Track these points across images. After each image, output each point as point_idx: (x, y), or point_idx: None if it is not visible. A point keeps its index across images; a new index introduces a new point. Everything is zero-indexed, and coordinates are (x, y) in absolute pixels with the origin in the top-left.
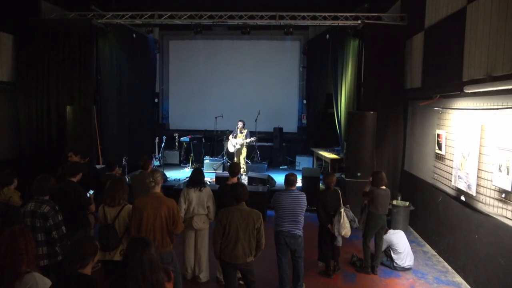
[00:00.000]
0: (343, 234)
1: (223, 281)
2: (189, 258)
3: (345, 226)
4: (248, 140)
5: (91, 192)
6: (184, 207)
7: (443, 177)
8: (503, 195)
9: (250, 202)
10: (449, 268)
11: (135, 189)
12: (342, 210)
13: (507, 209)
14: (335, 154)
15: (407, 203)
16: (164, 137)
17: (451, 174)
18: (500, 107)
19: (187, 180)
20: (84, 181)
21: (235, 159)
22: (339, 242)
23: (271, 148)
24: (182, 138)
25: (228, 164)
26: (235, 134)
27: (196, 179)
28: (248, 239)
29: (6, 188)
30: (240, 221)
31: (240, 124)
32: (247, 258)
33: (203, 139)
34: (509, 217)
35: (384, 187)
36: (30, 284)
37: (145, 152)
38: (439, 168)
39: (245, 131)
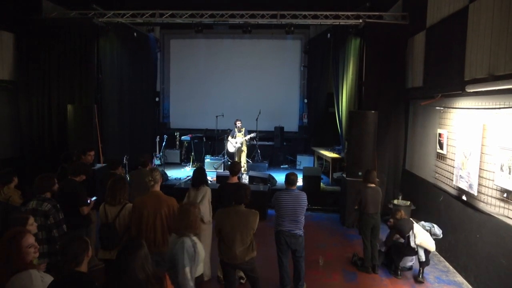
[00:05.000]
0: None
1: (224, 280)
2: None
3: None
4: (248, 136)
5: (94, 198)
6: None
7: (444, 176)
8: (505, 195)
9: (250, 201)
10: (450, 267)
11: (133, 186)
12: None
13: (509, 209)
14: (336, 153)
15: (408, 203)
16: (165, 136)
17: (453, 174)
18: (502, 106)
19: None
20: (87, 183)
21: (236, 158)
22: None
23: (272, 147)
24: (183, 137)
25: (229, 163)
26: (234, 134)
27: (193, 178)
28: (244, 240)
29: (6, 187)
30: (237, 222)
31: (238, 124)
32: (246, 257)
33: (204, 138)
34: (511, 217)
35: (372, 185)
36: (25, 282)
37: (146, 151)
38: (441, 168)
39: (243, 130)
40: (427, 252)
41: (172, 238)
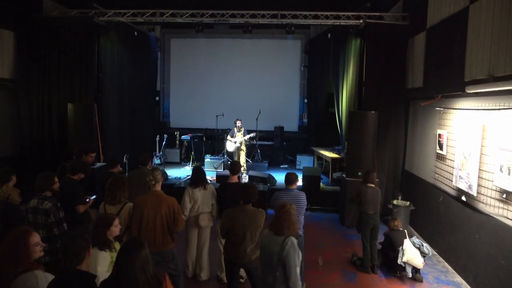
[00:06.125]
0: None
1: (224, 279)
2: (191, 256)
3: None
4: (247, 136)
5: (93, 197)
6: (189, 207)
7: (444, 177)
8: (504, 196)
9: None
10: (449, 268)
11: (132, 185)
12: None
13: (508, 210)
14: (335, 153)
15: (408, 203)
16: (165, 135)
17: (452, 174)
18: (502, 107)
19: (189, 179)
20: (87, 183)
21: (235, 158)
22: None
23: (272, 147)
24: (183, 137)
25: (229, 162)
26: (234, 134)
27: (198, 178)
28: (253, 238)
29: (5, 185)
30: (247, 221)
31: (238, 123)
32: (253, 256)
33: (204, 138)
34: (510, 218)
35: (372, 185)
36: (30, 282)
37: (146, 150)
38: (440, 168)
39: (242, 129)
40: (415, 268)
41: (270, 239)
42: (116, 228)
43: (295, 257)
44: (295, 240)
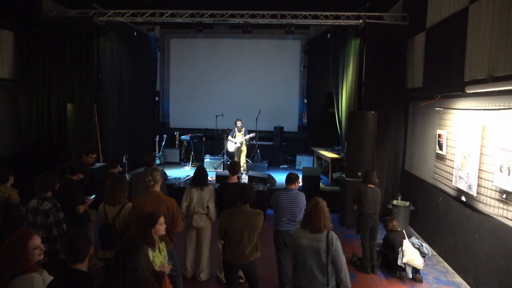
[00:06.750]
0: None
1: (224, 280)
2: (190, 257)
3: None
4: (248, 136)
5: (92, 197)
6: (185, 205)
7: (443, 177)
8: (504, 196)
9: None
10: (449, 268)
11: (138, 186)
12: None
13: (507, 210)
14: (335, 153)
15: (407, 203)
16: (165, 136)
17: (452, 174)
18: (502, 107)
19: (191, 179)
20: (86, 182)
21: (236, 158)
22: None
23: (272, 147)
24: (182, 137)
25: (229, 163)
26: (234, 134)
27: (197, 178)
28: (251, 239)
29: (3, 186)
30: (244, 222)
31: (239, 123)
32: (251, 257)
33: (203, 138)
34: (510, 218)
35: (372, 186)
36: (26, 285)
37: (146, 150)
38: (440, 168)
39: (243, 130)
40: (414, 269)
41: (311, 238)
42: (161, 227)
43: (341, 248)
44: (335, 234)
